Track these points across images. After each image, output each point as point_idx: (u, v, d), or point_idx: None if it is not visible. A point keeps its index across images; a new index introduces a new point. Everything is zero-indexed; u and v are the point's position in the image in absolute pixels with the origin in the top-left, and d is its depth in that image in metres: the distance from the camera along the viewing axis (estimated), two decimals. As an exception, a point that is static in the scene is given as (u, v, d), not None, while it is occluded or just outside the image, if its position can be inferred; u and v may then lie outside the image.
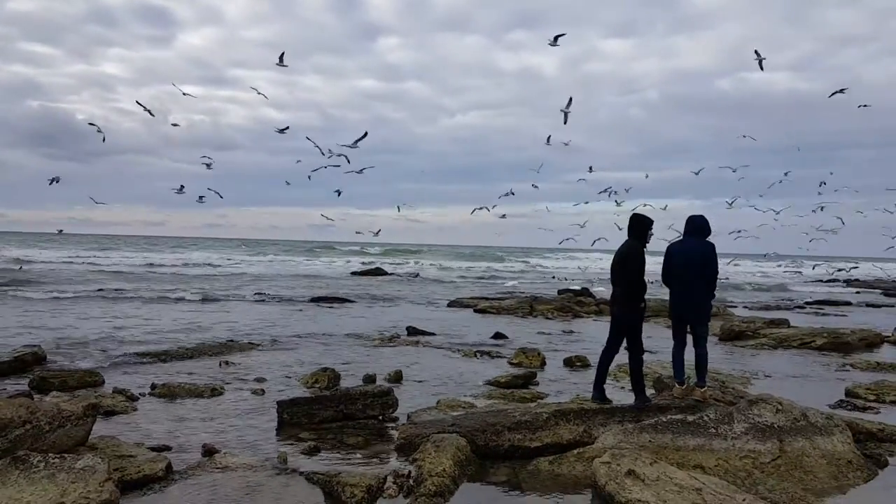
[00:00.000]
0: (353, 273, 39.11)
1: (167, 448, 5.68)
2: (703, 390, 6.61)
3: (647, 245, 6.54)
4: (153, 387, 8.03)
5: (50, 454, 4.52)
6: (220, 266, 40.43)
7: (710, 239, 6.57)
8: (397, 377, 9.00)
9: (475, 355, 11.32)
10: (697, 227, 6.57)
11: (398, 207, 20.42)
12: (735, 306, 22.79)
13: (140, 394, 7.76)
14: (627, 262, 6.34)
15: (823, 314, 22.18)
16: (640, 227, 6.46)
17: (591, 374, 9.86)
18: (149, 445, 5.61)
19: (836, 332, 13.70)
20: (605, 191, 18.31)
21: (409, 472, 4.97)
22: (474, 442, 5.63)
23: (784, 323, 16.10)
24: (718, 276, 6.57)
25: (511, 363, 10.57)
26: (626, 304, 6.47)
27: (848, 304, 27.21)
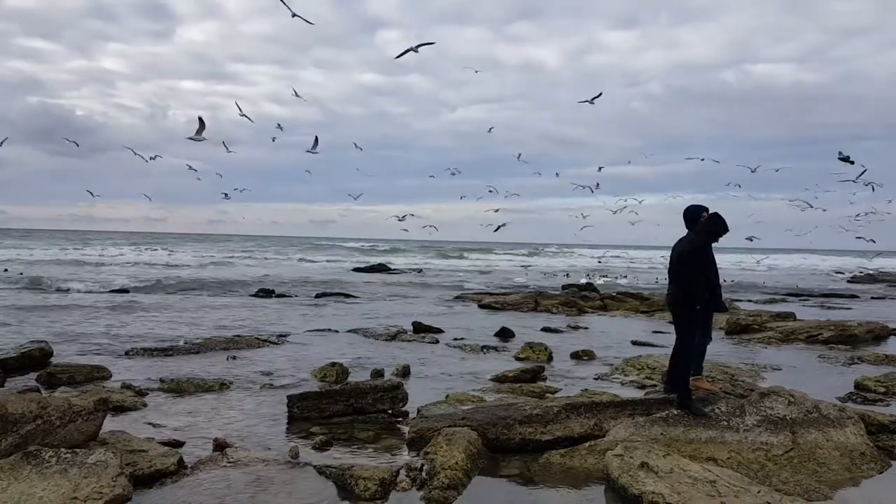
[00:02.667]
0: (357, 269, 39.09)
1: (178, 443, 5.67)
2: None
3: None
4: (161, 381, 8.02)
5: (61, 449, 4.52)
6: (223, 262, 40.44)
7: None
8: (405, 372, 8.99)
9: (482, 350, 11.30)
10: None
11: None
12: (741, 300, 22.74)
13: (148, 389, 7.75)
14: (680, 254, 6.07)
15: (829, 307, 22.12)
16: (690, 219, 6.24)
17: (597, 368, 9.87)
18: (159, 440, 5.59)
19: (843, 325, 13.64)
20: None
21: (422, 465, 4.96)
22: (485, 435, 5.62)
23: (790, 316, 16.03)
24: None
25: (518, 358, 10.54)
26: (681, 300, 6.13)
27: (854, 296, 27.16)
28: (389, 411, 6.78)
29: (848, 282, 39.55)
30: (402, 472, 4.96)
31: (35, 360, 8.88)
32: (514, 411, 5.99)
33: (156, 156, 14.80)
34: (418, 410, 6.78)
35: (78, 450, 4.57)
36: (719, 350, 11.86)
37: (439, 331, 13.45)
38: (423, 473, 4.84)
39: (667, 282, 6.53)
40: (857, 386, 8.48)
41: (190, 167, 15.18)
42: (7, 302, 17.04)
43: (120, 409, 6.72)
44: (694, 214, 6.23)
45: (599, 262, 54.03)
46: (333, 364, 8.79)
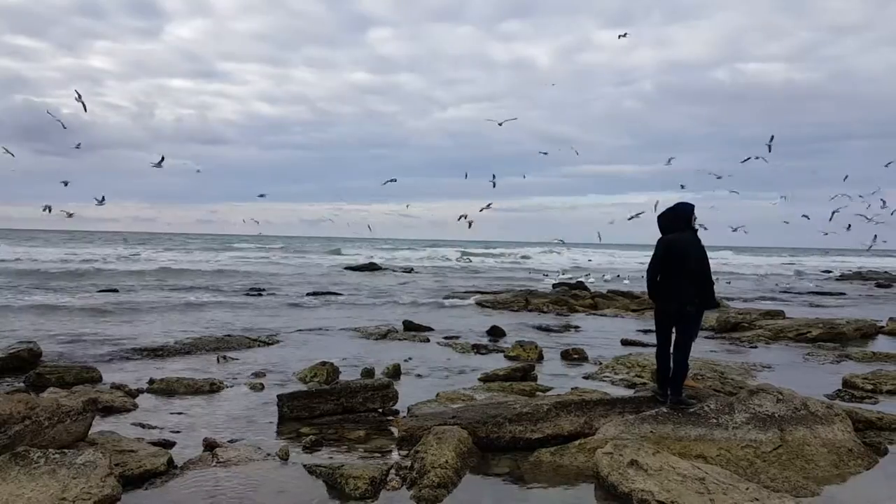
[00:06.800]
0: (348, 268, 39.00)
1: (168, 443, 5.65)
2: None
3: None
4: (151, 382, 7.99)
5: (50, 450, 4.48)
6: (212, 262, 40.24)
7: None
8: (395, 371, 8.98)
9: (472, 349, 11.31)
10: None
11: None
12: (732, 298, 22.86)
13: (138, 389, 7.71)
14: (704, 256, 6.11)
15: (818, 305, 22.28)
16: (688, 216, 6.25)
17: (587, 367, 9.89)
18: (149, 440, 5.58)
19: (832, 323, 13.76)
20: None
21: (412, 464, 4.96)
22: (475, 434, 5.63)
23: (780, 314, 16.16)
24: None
25: (508, 356, 10.56)
26: (702, 301, 6.17)
27: (842, 294, 27.37)
28: (380, 410, 6.78)
29: (836, 280, 39.83)
30: (393, 471, 4.96)
31: (24, 360, 8.81)
32: (505, 409, 6.00)
33: (161, 160, 14.82)
34: (408, 409, 6.78)
35: (67, 450, 4.54)
36: (709, 348, 11.93)
37: (430, 329, 13.46)
38: (413, 472, 4.84)
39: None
40: (845, 383, 8.55)
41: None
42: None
43: (110, 410, 6.69)
44: (684, 213, 6.24)
45: (590, 260, 54.15)
46: (324, 363, 8.77)
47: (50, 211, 14.51)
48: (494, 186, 15.34)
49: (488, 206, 15.97)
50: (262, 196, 17.24)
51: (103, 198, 14.14)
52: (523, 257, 59.43)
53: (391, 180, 16.53)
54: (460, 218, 16.38)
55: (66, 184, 13.90)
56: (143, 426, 6.24)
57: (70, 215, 15.30)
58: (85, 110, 13.25)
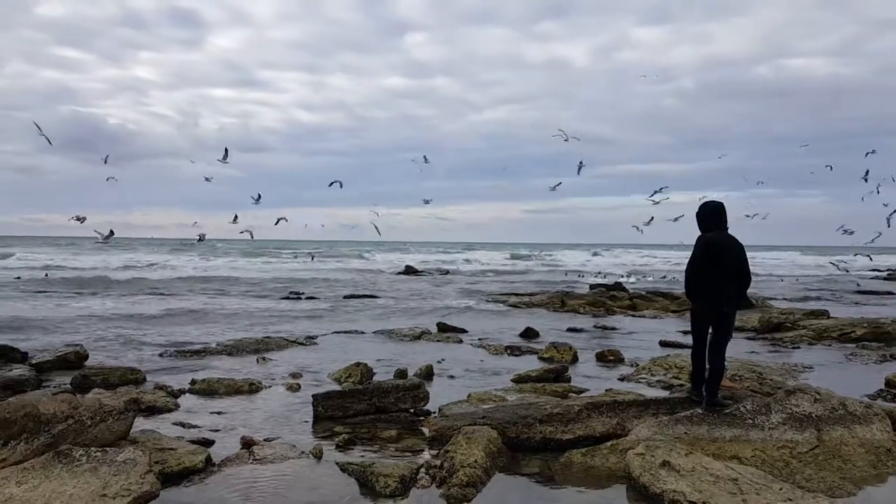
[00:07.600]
0: (384, 271, 39.33)
1: (207, 441, 5.80)
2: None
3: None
4: (193, 383, 8.20)
5: (92, 448, 4.65)
6: (252, 267, 40.91)
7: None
8: (428, 372, 9.04)
9: (505, 350, 11.31)
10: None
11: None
12: (775, 298, 22.38)
13: (180, 390, 7.92)
14: (743, 255, 5.99)
15: (864, 304, 21.67)
16: (719, 214, 6.14)
17: (623, 369, 9.82)
18: (189, 439, 5.74)
19: (877, 323, 13.37)
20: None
21: (442, 463, 5.01)
22: (505, 434, 5.64)
23: (824, 314, 15.77)
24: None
25: (542, 358, 10.53)
26: (739, 301, 6.11)
27: (890, 293, 26.57)
28: (411, 410, 6.84)
29: (885, 279, 38.66)
30: (423, 469, 5.02)
31: (70, 363, 9.13)
32: (535, 410, 6.00)
33: (336, 183, 14.95)
34: (439, 409, 6.83)
35: (108, 448, 4.71)
36: (750, 349, 11.73)
37: (463, 331, 13.51)
38: (443, 471, 4.89)
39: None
40: (888, 383, 8.33)
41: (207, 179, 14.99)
42: (46, 306, 17.49)
43: (153, 410, 6.89)
44: (715, 212, 6.14)
45: (633, 262, 53.59)
46: (358, 364, 8.89)
47: (236, 220, 14.71)
48: (652, 197, 15.05)
49: (657, 202, 15.66)
50: (427, 202, 17.46)
51: (259, 196, 14.07)
52: (548, 256, 59.11)
53: (558, 184, 16.38)
54: (650, 221, 16.21)
55: (259, 197, 13.86)
56: (183, 425, 6.41)
57: (251, 234, 15.50)
58: (225, 160, 13.09)
